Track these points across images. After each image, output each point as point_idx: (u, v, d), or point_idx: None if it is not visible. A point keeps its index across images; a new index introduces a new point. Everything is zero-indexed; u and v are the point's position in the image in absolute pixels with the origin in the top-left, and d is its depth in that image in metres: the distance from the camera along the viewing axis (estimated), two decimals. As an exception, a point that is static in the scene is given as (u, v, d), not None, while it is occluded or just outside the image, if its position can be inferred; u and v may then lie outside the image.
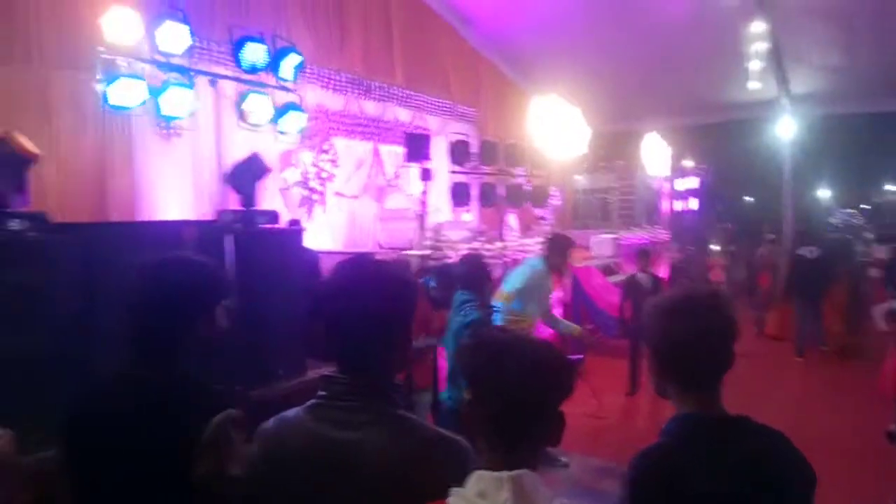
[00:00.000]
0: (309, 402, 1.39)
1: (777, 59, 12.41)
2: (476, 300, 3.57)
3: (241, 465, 1.42)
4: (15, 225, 3.62)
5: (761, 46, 11.42)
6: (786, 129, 14.35)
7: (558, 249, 5.19)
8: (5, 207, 3.65)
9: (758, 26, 11.25)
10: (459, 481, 1.22)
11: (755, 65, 11.62)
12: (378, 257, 1.74)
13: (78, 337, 3.64)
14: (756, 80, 11.86)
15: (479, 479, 1.18)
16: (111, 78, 4.00)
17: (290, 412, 1.42)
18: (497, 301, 4.94)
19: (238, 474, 1.41)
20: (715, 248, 13.05)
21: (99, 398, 1.58)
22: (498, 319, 4.94)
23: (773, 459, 1.40)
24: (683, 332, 1.43)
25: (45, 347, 3.47)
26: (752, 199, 19.28)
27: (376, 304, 1.34)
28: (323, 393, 1.37)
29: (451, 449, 1.32)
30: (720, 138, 15.57)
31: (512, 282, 5.24)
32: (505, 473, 1.17)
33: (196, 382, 1.57)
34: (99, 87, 4.05)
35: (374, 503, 1.27)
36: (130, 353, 1.56)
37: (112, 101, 4.03)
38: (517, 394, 1.20)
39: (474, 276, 3.71)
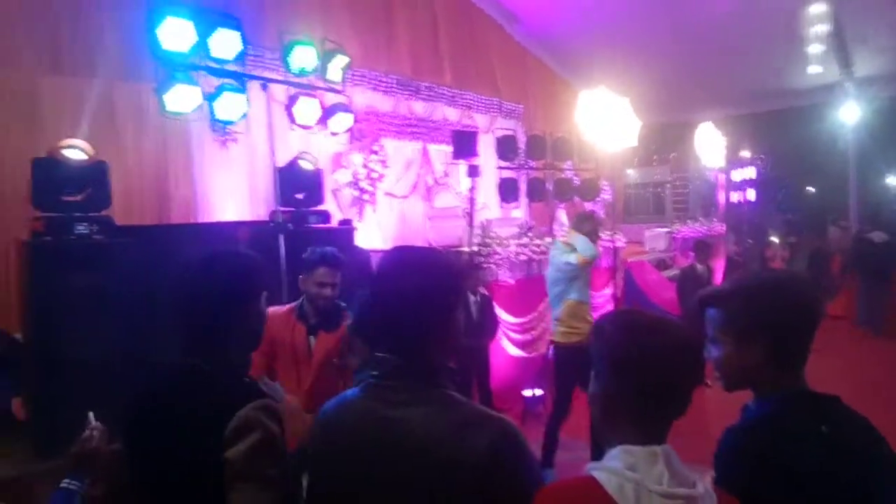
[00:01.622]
0: (363, 382, 1.44)
1: (839, 42, 11.88)
2: None
3: (274, 457, 1.46)
4: (82, 229, 3.83)
5: (822, 29, 10.95)
6: (850, 114, 13.72)
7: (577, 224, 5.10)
8: (81, 212, 3.87)
9: (818, 8, 10.79)
10: (494, 458, 1.25)
11: (815, 48, 11.16)
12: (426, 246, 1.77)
13: (141, 335, 3.83)
14: (817, 64, 11.38)
15: (626, 454, 1.20)
16: (167, 85, 4.16)
17: (349, 392, 1.48)
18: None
19: (266, 464, 1.43)
20: (775, 239, 12.59)
21: (153, 390, 1.64)
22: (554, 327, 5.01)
23: (872, 441, 1.38)
24: (795, 310, 1.42)
25: (112, 346, 3.66)
26: (813, 189, 18.48)
27: (425, 287, 1.38)
28: (375, 373, 1.42)
29: (495, 426, 1.33)
30: (779, 126, 14.99)
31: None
32: (657, 447, 1.20)
33: (238, 374, 1.61)
34: (156, 95, 4.21)
35: (421, 478, 1.29)
36: (182, 345, 1.61)
37: (169, 107, 4.19)
38: (672, 371, 1.23)
39: None
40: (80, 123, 6.18)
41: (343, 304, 3.28)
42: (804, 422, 1.36)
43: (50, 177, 3.83)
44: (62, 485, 1.58)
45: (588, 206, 11.08)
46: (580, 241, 4.88)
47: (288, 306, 3.29)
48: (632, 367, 1.24)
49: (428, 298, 1.38)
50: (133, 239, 4.15)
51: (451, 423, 1.32)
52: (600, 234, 5.26)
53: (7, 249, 5.48)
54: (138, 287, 3.89)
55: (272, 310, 2.73)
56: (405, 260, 1.48)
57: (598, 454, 1.30)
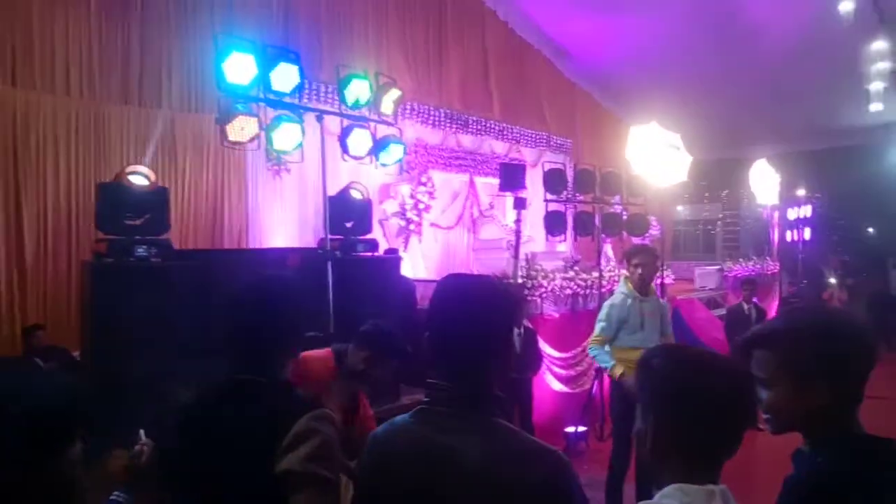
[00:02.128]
0: (416, 408, 1.45)
1: (901, 79, 11.54)
2: None
3: (332, 461, 1.50)
4: (142, 251, 3.98)
5: (883, 66, 10.67)
6: (913, 154, 13.26)
7: (629, 258, 4.55)
8: (141, 235, 4.03)
9: (879, 45, 10.53)
10: (551, 490, 1.24)
11: (877, 86, 10.86)
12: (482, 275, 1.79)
13: (196, 354, 3.93)
14: (878, 102, 11.06)
15: (682, 493, 1.18)
16: (229, 116, 4.34)
17: (399, 417, 1.49)
18: (589, 347, 4.55)
19: (324, 467, 1.48)
20: (832, 280, 12.11)
21: (202, 403, 1.70)
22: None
23: None
24: (854, 351, 1.36)
25: (167, 365, 3.77)
26: (872, 230, 17.78)
27: (478, 315, 1.39)
28: (427, 399, 1.43)
29: (549, 459, 1.32)
30: (837, 165, 14.55)
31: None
32: (714, 486, 1.18)
33: (290, 386, 1.68)
34: (217, 125, 4.39)
35: None
36: (231, 362, 1.68)
37: (230, 137, 4.36)
38: (730, 407, 1.21)
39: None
40: (144, 151, 6.50)
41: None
42: (868, 469, 1.30)
43: (114, 201, 4.01)
44: (112, 497, 1.62)
45: (636, 241, 10.95)
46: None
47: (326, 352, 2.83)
48: (688, 399, 1.21)
49: (483, 326, 1.39)
50: (189, 262, 4.30)
51: (506, 452, 1.31)
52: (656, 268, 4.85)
53: (71, 270, 5.76)
54: (193, 308, 4.01)
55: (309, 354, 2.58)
56: (461, 287, 1.49)
57: (644, 495, 1.27)
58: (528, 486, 1.26)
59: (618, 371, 4.19)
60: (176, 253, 4.34)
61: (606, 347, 4.38)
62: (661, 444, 1.25)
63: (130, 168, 4.23)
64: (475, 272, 9.44)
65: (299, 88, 4.71)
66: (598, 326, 4.43)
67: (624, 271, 4.69)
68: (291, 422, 1.50)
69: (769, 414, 1.42)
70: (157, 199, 4.24)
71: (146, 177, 4.16)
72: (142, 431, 1.72)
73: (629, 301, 4.36)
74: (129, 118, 6.51)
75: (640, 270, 4.36)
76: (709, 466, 1.22)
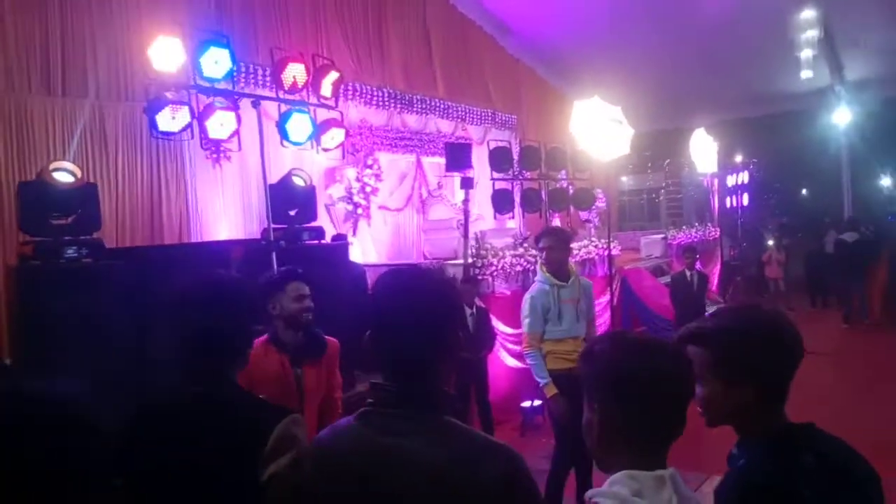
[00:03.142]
0: (359, 410, 1.41)
1: (830, 46, 11.95)
2: None
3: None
4: (72, 252, 3.80)
5: (812, 34, 11.02)
6: (841, 118, 13.78)
7: (540, 246, 4.25)
8: (70, 235, 3.84)
9: (808, 13, 10.87)
10: (507, 487, 1.23)
11: (806, 53, 11.22)
12: (421, 266, 1.76)
13: (133, 359, 3.80)
14: (808, 69, 11.44)
15: (631, 479, 1.16)
16: (158, 105, 4.15)
17: (343, 420, 1.45)
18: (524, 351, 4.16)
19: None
20: (770, 243, 12.61)
21: (156, 417, 1.62)
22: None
23: (853, 461, 1.39)
24: (782, 353, 1.42)
25: (102, 369, 3.62)
26: (807, 192, 18.56)
27: (421, 312, 1.35)
28: (371, 401, 1.39)
29: (503, 456, 1.30)
30: (771, 131, 15.05)
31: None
32: (663, 471, 1.18)
33: (251, 396, 1.65)
34: (147, 115, 4.20)
35: None
36: (181, 373, 1.62)
37: (161, 127, 4.17)
38: (675, 390, 1.22)
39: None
40: (70, 144, 6.17)
41: (318, 329, 2.94)
42: (785, 460, 1.35)
43: (38, 200, 3.80)
44: None
45: (583, 214, 11.11)
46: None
47: (258, 340, 2.71)
48: (631, 382, 1.21)
49: (426, 322, 1.35)
50: (124, 261, 4.13)
51: (459, 451, 1.28)
52: (573, 248, 4.38)
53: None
54: (130, 309, 3.86)
55: None
56: (400, 282, 1.44)
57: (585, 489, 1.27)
58: (483, 485, 1.24)
59: (550, 391, 3.92)
60: (109, 252, 4.17)
61: (542, 350, 4.06)
62: (606, 431, 1.25)
63: (54, 164, 4.02)
64: (425, 253, 9.44)
65: (232, 73, 4.55)
66: (525, 323, 4.10)
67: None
68: (267, 429, 1.47)
69: (701, 408, 1.46)
70: (85, 196, 4.05)
71: (71, 173, 3.96)
72: None
73: (547, 288, 4.09)
74: (53, 110, 6.15)
75: (545, 254, 4.14)
76: (656, 451, 1.22)
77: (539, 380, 4.01)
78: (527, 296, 4.19)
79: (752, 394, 1.40)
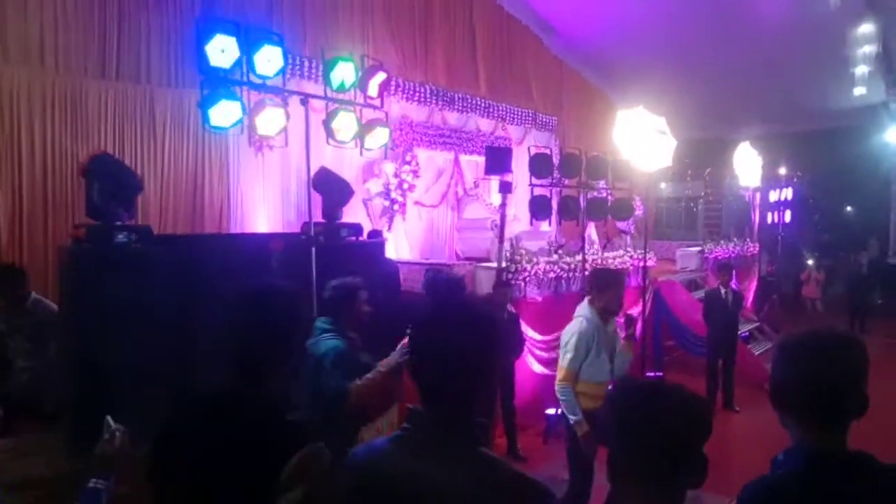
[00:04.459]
0: (395, 433, 1.46)
1: (887, 62, 11.59)
2: (336, 328, 3.08)
3: (326, 498, 1.49)
4: (122, 238, 3.92)
5: (869, 49, 10.70)
6: (894, 136, 13.38)
7: (602, 286, 4.11)
8: (114, 221, 3.96)
9: (866, 28, 10.54)
10: None
11: (862, 69, 10.90)
12: (467, 299, 1.79)
13: (176, 342, 3.91)
14: (862, 86, 11.12)
15: None
16: (211, 100, 4.24)
17: (378, 441, 1.50)
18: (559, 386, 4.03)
19: None
20: (810, 262, 12.29)
21: (190, 416, 1.69)
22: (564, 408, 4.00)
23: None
24: (825, 371, 1.41)
25: (146, 352, 3.74)
26: (852, 210, 18.05)
27: (464, 351, 1.39)
28: (407, 426, 1.43)
29: (531, 490, 1.34)
30: (820, 146, 14.68)
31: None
32: None
33: (282, 414, 1.66)
34: (199, 109, 4.30)
35: None
36: (228, 373, 1.67)
37: (212, 122, 4.27)
38: (671, 435, 1.23)
39: (335, 299, 3.15)
40: (122, 128, 6.35)
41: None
42: (833, 483, 1.34)
43: (96, 186, 3.91)
44: (90, 484, 1.62)
45: (621, 225, 10.99)
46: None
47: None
48: (633, 423, 1.25)
49: (466, 362, 1.39)
50: (170, 248, 4.24)
51: (493, 484, 1.32)
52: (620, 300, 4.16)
53: (47, 254, 5.62)
54: (174, 296, 3.97)
55: None
56: (449, 322, 1.47)
57: None
58: None
59: (582, 429, 3.88)
60: (156, 238, 4.28)
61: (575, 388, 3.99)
62: (617, 469, 1.29)
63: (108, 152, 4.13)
64: (458, 252, 9.46)
65: (283, 71, 4.61)
66: (566, 358, 3.99)
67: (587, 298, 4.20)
68: (285, 453, 1.48)
69: None
70: (136, 185, 4.17)
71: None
72: (108, 418, 1.71)
73: (592, 329, 4.01)
74: (107, 93, 6.33)
75: (610, 296, 4.04)
76: (667, 494, 1.25)
77: (571, 417, 3.95)
78: (573, 330, 4.05)
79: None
